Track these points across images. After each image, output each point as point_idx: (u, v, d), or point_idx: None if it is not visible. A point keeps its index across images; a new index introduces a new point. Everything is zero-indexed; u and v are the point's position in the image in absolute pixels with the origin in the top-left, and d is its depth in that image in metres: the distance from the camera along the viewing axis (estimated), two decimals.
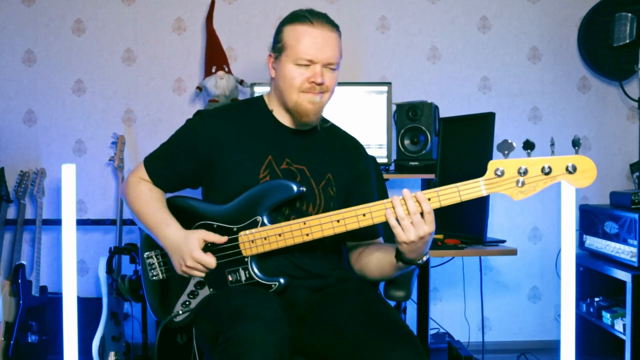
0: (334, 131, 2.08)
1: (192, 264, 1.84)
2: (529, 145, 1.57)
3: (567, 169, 1.57)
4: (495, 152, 2.84)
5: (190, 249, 1.83)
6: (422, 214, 1.67)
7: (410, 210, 1.67)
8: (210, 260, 1.84)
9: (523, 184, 1.60)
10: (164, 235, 1.89)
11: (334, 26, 1.89)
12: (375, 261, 1.92)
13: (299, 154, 1.95)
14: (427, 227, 1.68)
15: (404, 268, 1.83)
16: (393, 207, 1.69)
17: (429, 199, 1.68)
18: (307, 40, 1.84)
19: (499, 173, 1.61)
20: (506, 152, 1.59)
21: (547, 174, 1.58)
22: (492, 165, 1.62)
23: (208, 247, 1.86)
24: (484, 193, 1.63)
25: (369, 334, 1.66)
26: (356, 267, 2.01)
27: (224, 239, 1.85)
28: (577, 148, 1.52)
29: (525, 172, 1.59)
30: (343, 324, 1.73)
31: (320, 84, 1.86)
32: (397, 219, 1.69)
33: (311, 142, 1.99)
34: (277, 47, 1.89)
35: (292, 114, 1.93)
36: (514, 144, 1.59)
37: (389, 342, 1.62)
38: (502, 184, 1.62)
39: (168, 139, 2.02)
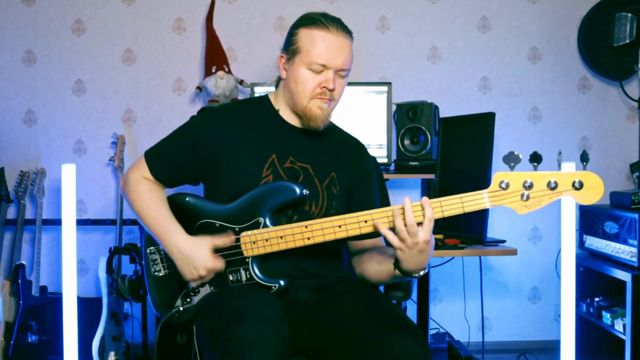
0: (337, 132, 2.09)
1: (205, 274, 1.83)
2: (535, 159, 1.54)
3: (573, 185, 1.54)
4: (495, 152, 2.84)
5: (203, 259, 1.81)
6: (421, 223, 1.66)
7: (407, 223, 1.66)
8: (221, 265, 1.84)
9: (528, 198, 1.57)
10: (171, 244, 1.87)
11: (348, 32, 1.89)
12: (375, 265, 1.91)
13: (304, 152, 1.96)
14: (422, 234, 1.66)
15: (400, 277, 1.81)
16: (393, 217, 1.69)
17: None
18: (322, 46, 1.84)
19: (503, 185, 1.59)
20: (512, 164, 1.56)
21: (552, 189, 1.56)
22: (497, 178, 1.60)
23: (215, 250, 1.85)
24: (487, 205, 1.60)
25: (371, 326, 1.66)
26: (357, 270, 2.00)
27: (231, 238, 1.83)
28: (585, 164, 1.50)
29: (531, 186, 1.57)
30: (344, 319, 1.73)
31: (331, 90, 1.87)
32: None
33: (316, 141, 1.99)
34: (291, 49, 1.89)
35: (300, 117, 1.94)
36: (520, 156, 1.57)
37: (391, 333, 1.62)
38: (506, 196, 1.60)
39: (170, 133, 2.01)
